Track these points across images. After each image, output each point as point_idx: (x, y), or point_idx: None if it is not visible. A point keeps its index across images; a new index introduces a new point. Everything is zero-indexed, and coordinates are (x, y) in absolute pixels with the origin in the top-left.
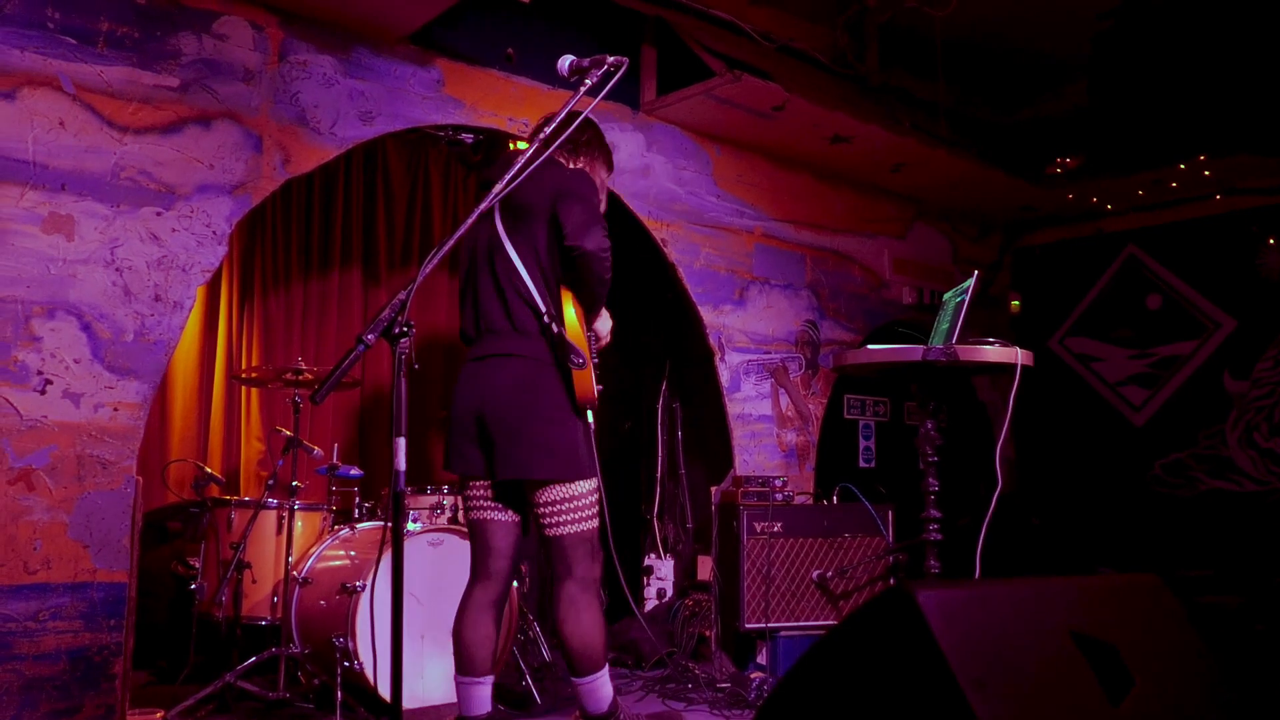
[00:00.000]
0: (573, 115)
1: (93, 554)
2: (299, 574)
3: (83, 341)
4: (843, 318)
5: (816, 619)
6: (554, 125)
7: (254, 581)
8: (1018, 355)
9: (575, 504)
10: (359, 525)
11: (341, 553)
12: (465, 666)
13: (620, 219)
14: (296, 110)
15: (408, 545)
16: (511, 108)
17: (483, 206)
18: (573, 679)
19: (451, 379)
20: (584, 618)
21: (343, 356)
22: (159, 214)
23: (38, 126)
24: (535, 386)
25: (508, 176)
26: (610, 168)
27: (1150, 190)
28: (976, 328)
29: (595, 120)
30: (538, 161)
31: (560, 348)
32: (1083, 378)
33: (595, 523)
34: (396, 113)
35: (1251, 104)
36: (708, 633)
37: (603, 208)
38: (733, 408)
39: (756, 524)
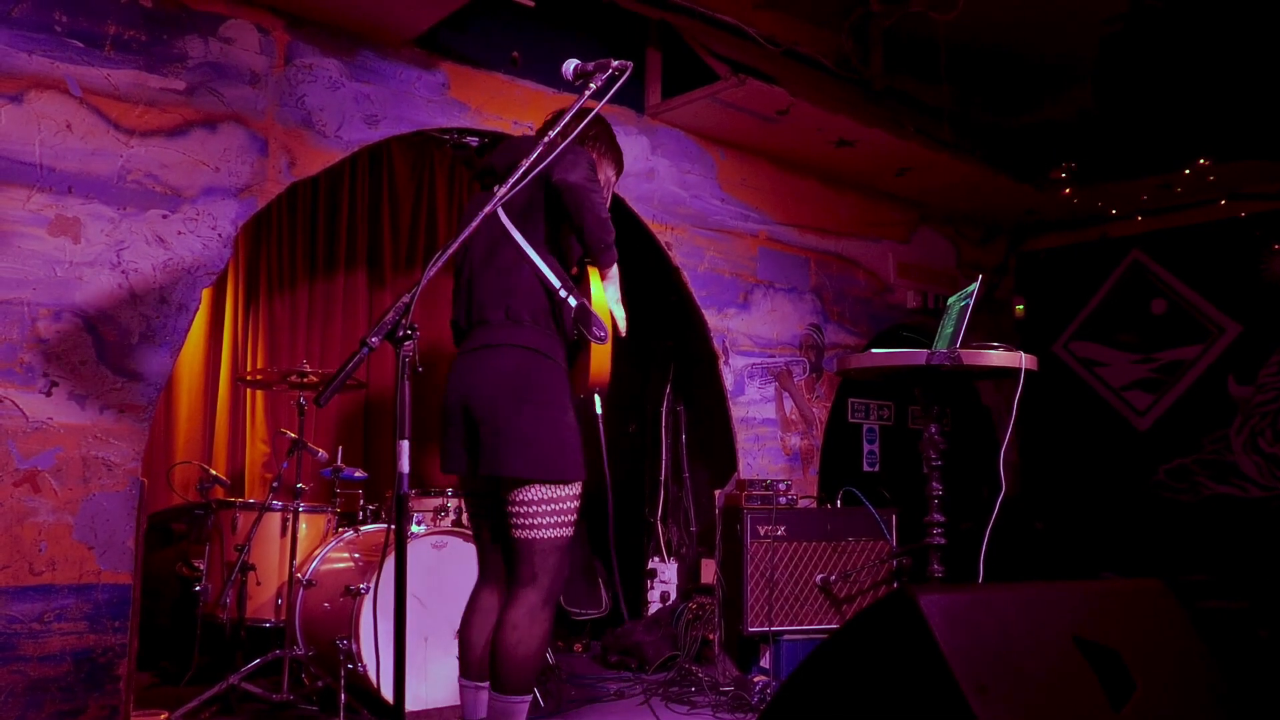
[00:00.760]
0: (579, 117)
1: (98, 555)
2: (303, 576)
3: (88, 343)
4: (847, 321)
5: (820, 623)
6: (559, 128)
7: (258, 583)
8: (1022, 359)
9: (554, 507)
10: (363, 528)
11: (345, 555)
12: (468, 669)
13: (624, 222)
14: (302, 113)
15: (411, 548)
16: (516, 111)
17: (488, 209)
18: (495, 693)
19: None
20: (535, 632)
21: (347, 359)
22: (165, 216)
23: (45, 129)
24: (524, 378)
25: (511, 180)
26: (619, 167)
27: (1155, 195)
28: (981, 332)
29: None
30: (542, 166)
31: (582, 318)
32: (1087, 382)
33: (571, 531)
34: (402, 116)
35: (1257, 109)
36: (711, 636)
37: (606, 203)
38: (737, 411)
39: (760, 527)
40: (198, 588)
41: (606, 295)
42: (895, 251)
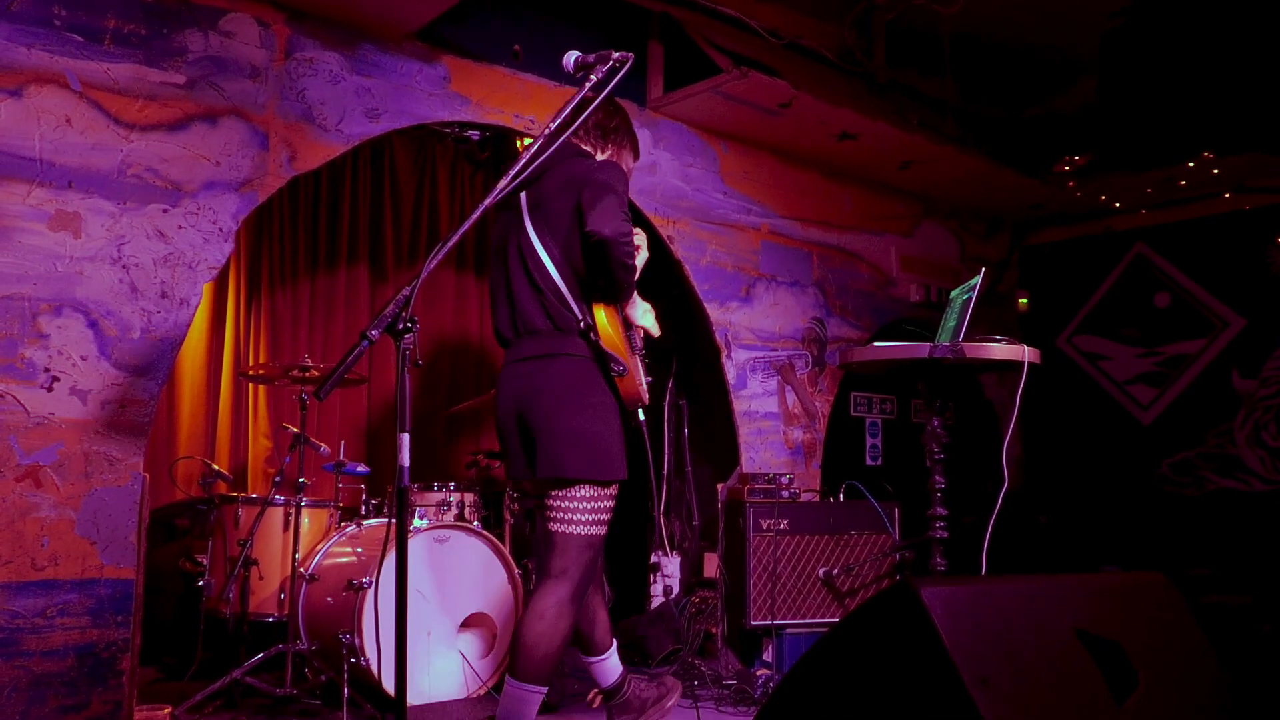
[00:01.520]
0: (581, 108)
1: (100, 551)
2: (306, 571)
3: (89, 338)
4: (850, 315)
5: (822, 616)
6: (560, 119)
7: (261, 578)
8: (1025, 353)
9: (592, 505)
10: (365, 522)
11: (348, 549)
12: (587, 649)
13: None
14: (303, 107)
15: (413, 542)
16: (518, 104)
17: (487, 202)
18: (511, 678)
19: (457, 375)
20: (561, 626)
21: (347, 352)
22: (165, 211)
23: (44, 124)
24: (574, 384)
25: (512, 172)
26: (636, 155)
27: (1159, 188)
28: (984, 325)
29: (615, 99)
30: (544, 155)
31: (600, 358)
32: (1090, 376)
33: (604, 530)
34: (403, 109)
35: (1261, 102)
36: (714, 630)
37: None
38: (739, 405)
39: (763, 521)
40: (200, 583)
41: (635, 313)
42: (898, 245)
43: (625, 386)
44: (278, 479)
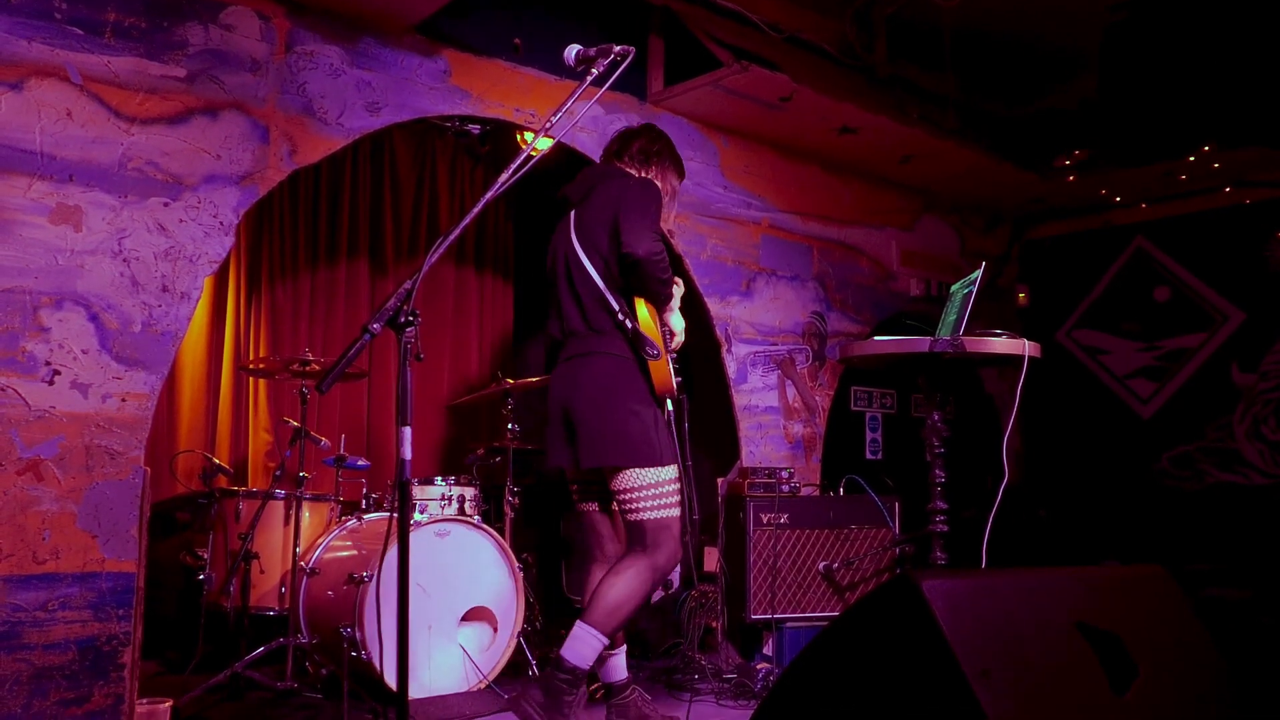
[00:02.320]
0: (584, 109)
1: (101, 544)
2: (306, 564)
3: (90, 332)
4: (850, 309)
5: (822, 610)
6: (559, 115)
7: (262, 572)
8: (1025, 347)
9: (654, 490)
10: (366, 516)
11: (349, 543)
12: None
13: None
14: (303, 101)
15: (414, 536)
16: (518, 98)
17: (488, 197)
18: (580, 621)
19: (458, 369)
20: (634, 585)
21: (348, 346)
22: (166, 204)
23: (45, 117)
24: (612, 379)
25: (513, 166)
26: (681, 174)
27: (1159, 182)
28: (984, 319)
29: (657, 126)
30: (539, 156)
31: (635, 341)
32: (1090, 370)
33: (677, 511)
34: (403, 103)
35: (1262, 96)
36: (714, 624)
37: (672, 214)
38: (739, 399)
39: (763, 515)
40: (201, 576)
41: (672, 320)
42: (899, 239)
43: (658, 372)
44: (278, 473)
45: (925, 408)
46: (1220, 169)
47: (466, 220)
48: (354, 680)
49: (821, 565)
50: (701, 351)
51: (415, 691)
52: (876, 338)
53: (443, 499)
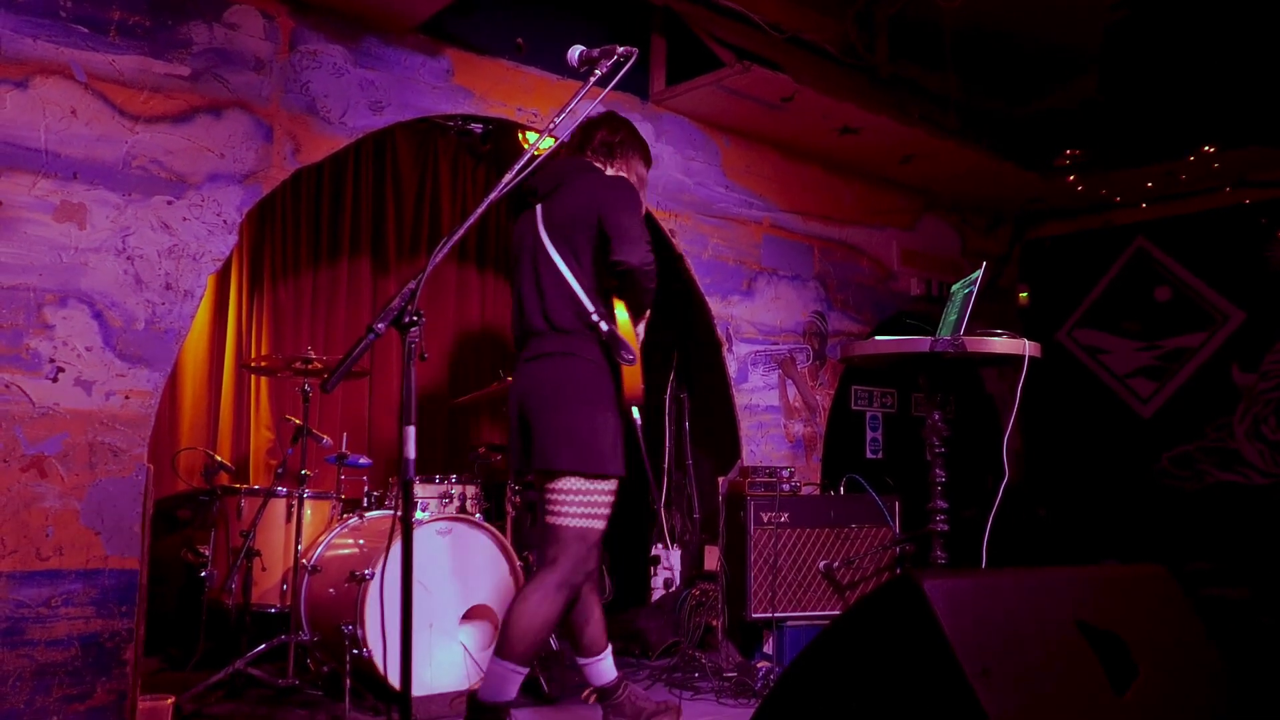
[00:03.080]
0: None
1: (104, 541)
2: (308, 562)
3: (94, 329)
4: (850, 309)
5: (823, 609)
6: (562, 116)
7: (263, 569)
8: (1025, 347)
9: (584, 498)
10: (368, 514)
11: (350, 541)
12: (580, 649)
13: None
14: (307, 100)
15: (416, 534)
16: (521, 98)
17: (491, 197)
18: (494, 656)
19: (460, 368)
20: (542, 611)
21: (353, 345)
22: (170, 203)
23: (50, 115)
24: (574, 382)
25: (516, 167)
26: (648, 162)
27: (1160, 182)
28: (984, 319)
29: (617, 113)
30: (544, 154)
31: (611, 344)
32: (1090, 370)
33: (602, 524)
34: (406, 102)
35: (1262, 96)
36: (714, 622)
37: (645, 203)
38: (740, 398)
39: (763, 514)
40: (203, 573)
41: (639, 326)
42: (899, 239)
43: (631, 377)
44: (280, 470)
45: (926, 407)
46: (1220, 169)
47: (470, 220)
48: (355, 678)
49: (822, 564)
50: (702, 351)
51: (416, 690)
52: (877, 337)
53: (444, 497)
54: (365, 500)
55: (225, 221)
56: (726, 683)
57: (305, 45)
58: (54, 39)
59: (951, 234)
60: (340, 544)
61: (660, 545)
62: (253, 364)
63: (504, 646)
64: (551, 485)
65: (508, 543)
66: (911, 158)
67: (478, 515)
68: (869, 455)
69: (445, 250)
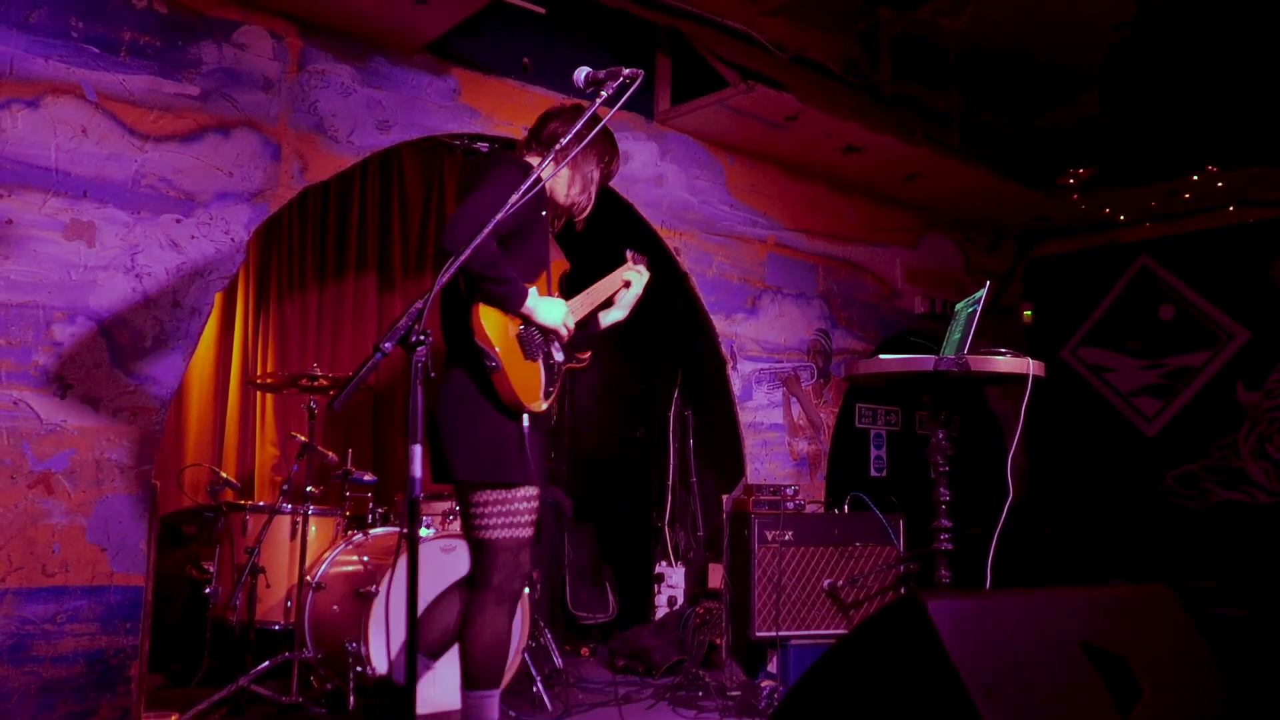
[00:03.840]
0: (591, 124)
1: (110, 557)
2: (312, 579)
3: (102, 346)
4: (855, 327)
5: (827, 628)
6: (569, 136)
7: (268, 586)
8: (1029, 365)
9: (504, 508)
10: (372, 530)
11: (355, 558)
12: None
13: (633, 227)
14: (315, 119)
15: (420, 551)
16: (527, 117)
17: (499, 217)
18: (464, 690)
19: None
20: (485, 631)
21: (360, 364)
22: (178, 221)
23: (60, 134)
24: (464, 390)
25: (523, 188)
26: (606, 163)
27: (1163, 201)
28: (988, 338)
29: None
30: (553, 174)
31: (473, 356)
32: (1095, 388)
33: (526, 532)
34: (413, 121)
35: (1265, 115)
36: (718, 641)
37: (587, 197)
38: (744, 416)
39: (768, 532)
40: (207, 590)
41: (534, 314)
42: (903, 257)
43: (501, 385)
44: (285, 487)
45: (930, 425)
46: (1224, 188)
47: (478, 240)
48: (359, 695)
49: (826, 583)
50: (707, 368)
51: (420, 707)
52: (881, 356)
53: (448, 514)
54: (369, 516)
55: (233, 240)
56: (731, 702)
57: (313, 65)
58: (65, 59)
59: (955, 252)
60: (345, 561)
61: (664, 563)
62: (258, 381)
63: (467, 678)
64: (471, 498)
65: None
66: (915, 176)
67: None
68: (873, 473)
69: (453, 271)
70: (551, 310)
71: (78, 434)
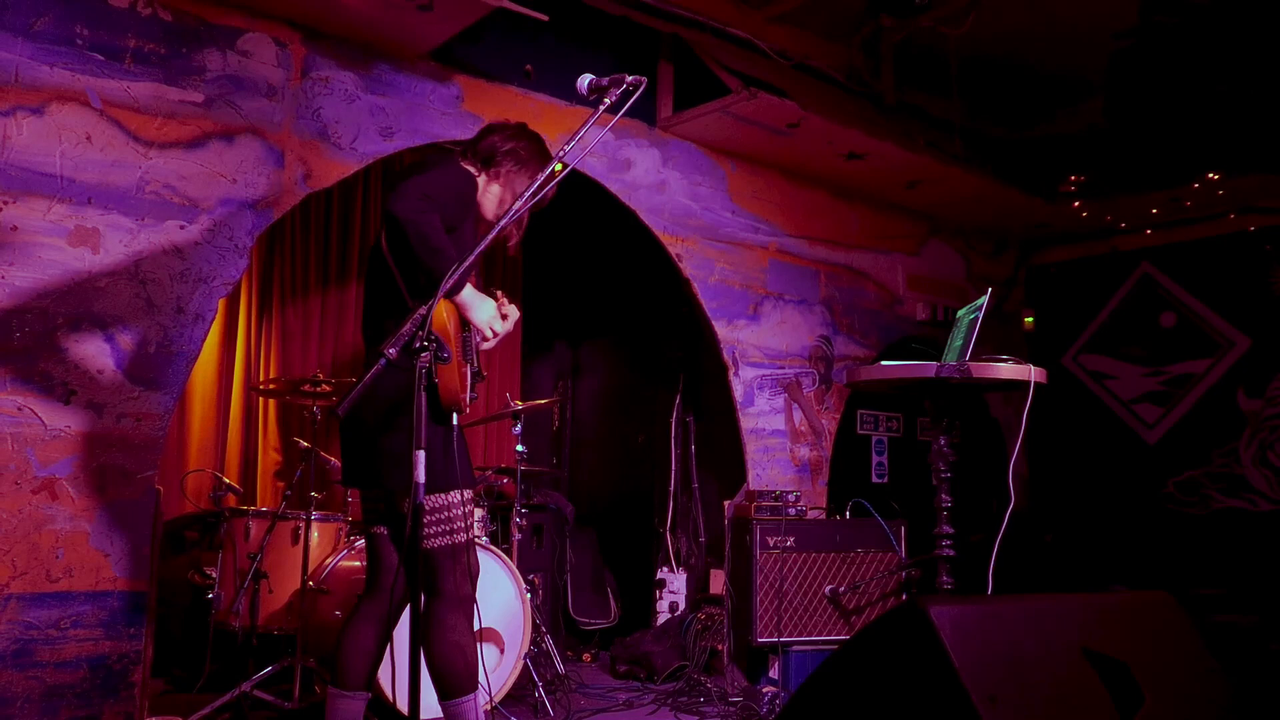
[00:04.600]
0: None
1: (113, 563)
2: (315, 584)
3: (106, 352)
4: (856, 333)
5: (829, 633)
6: (573, 143)
7: (270, 591)
8: (1031, 372)
9: (440, 515)
10: None
11: (357, 563)
12: (340, 679)
13: (636, 234)
14: (318, 125)
15: None
16: (530, 124)
17: (504, 223)
18: (440, 703)
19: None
20: (447, 638)
21: (366, 371)
22: (182, 227)
23: (65, 141)
24: (393, 393)
25: (527, 194)
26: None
27: (1164, 208)
28: (990, 344)
29: (528, 127)
30: (555, 182)
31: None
32: (1096, 395)
33: (465, 536)
34: (416, 128)
35: (1265, 124)
36: (720, 646)
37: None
38: (746, 422)
39: (769, 538)
40: (210, 595)
41: (470, 310)
42: (905, 264)
43: (445, 378)
44: (288, 492)
45: (931, 432)
46: (1225, 196)
47: (481, 247)
48: None
49: (828, 589)
50: (709, 374)
51: (422, 713)
52: (883, 362)
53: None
54: None
55: (236, 246)
56: (732, 707)
57: (317, 72)
58: (70, 66)
59: (956, 258)
60: (347, 566)
61: (666, 568)
62: (261, 386)
63: (442, 690)
64: (406, 508)
65: (513, 565)
66: (917, 183)
67: (483, 538)
68: (875, 479)
69: (455, 277)
70: (484, 308)
71: (81, 439)
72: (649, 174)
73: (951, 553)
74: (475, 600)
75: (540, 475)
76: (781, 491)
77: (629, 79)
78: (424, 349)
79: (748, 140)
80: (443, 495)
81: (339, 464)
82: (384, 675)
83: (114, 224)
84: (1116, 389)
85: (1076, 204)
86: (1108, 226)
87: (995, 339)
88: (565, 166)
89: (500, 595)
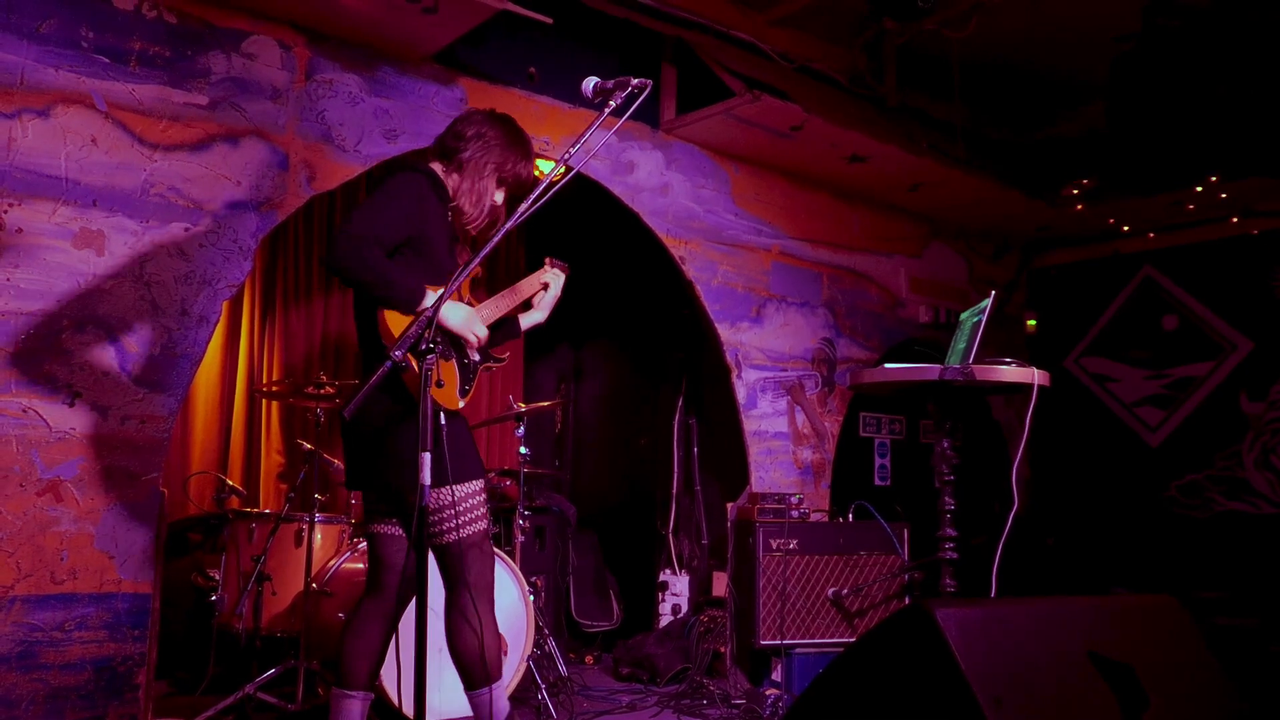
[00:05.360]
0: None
1: (118, 565)
2: (318, 586)
3: (111, 355)
4: (859, 336)
5: (831, 636)
6: (577, 146)
7: (273, 593)
8: (1034, 375)
9: (455, 509)
10: None
11: (361, 565)
12: (343, 679)
13: (639, 236)
14: (322, 128)
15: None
16: (533, 126)
17: (508, 226)
18: (466, 692)
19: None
20: (474, 627)
21: (372, 373)
22: (187, 230)
23: (70, 143)
24: (389, 394)
25: (532, 197)
26: (507, 171)
27: (1167, 211)
28: (993, 347)
29: (494, 111)
30: (558, 185)
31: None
32: (1098, 398)
33: (482, 525)
34: (420, 130)
35: (1267, 127)
36: (723, 649)
37: (479, 211)
38: (749, 424)
39: (772, 540)
40: (213, 597)
41: (445, 317)
42: (907, 266)
43: (412, 383)
44: (291, 495)
45: (934, 435)
46: (1227, 199)
47: (486, 249)
48: None
49: (830, 591)
50: (711, 377)
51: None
52: (886, 365)
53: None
54: None
55: (241, 248)
56: (735, 710)
57: (321, 74)
58: (75, 69)
59: (959, 261)
60: (351, 568)
61: (668, 571)
62: (264, 389)
63: (469, 680)
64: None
65: (517, 568)
66: (919, 186)
67: None
68: (877, 482)
69: (460, 279)
70: (454, 313)
71: (86, 442)
72: (652, 176)
73: (954, 555)
74: (526, 604)
75: (542, 477)
76: (784, 494)
77: (634, 82)
78: (430, 350)
79: (751, 143)
80: (450, 489)
81: (342, 466)
82: (386, 675)
83: (119, 226)
84: (1119, 392)
85: (1079, 207)
86: (1110, 229)
87: (997, 342)
88: (569, 170)
89: (503, 597)
